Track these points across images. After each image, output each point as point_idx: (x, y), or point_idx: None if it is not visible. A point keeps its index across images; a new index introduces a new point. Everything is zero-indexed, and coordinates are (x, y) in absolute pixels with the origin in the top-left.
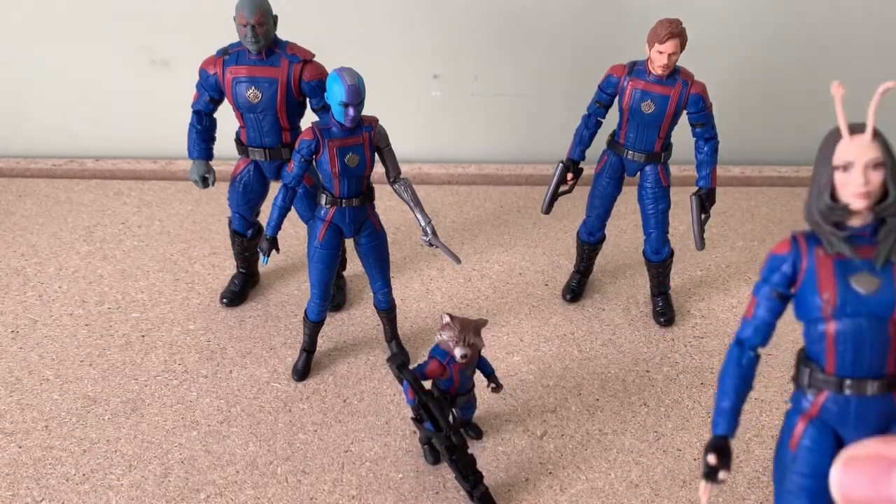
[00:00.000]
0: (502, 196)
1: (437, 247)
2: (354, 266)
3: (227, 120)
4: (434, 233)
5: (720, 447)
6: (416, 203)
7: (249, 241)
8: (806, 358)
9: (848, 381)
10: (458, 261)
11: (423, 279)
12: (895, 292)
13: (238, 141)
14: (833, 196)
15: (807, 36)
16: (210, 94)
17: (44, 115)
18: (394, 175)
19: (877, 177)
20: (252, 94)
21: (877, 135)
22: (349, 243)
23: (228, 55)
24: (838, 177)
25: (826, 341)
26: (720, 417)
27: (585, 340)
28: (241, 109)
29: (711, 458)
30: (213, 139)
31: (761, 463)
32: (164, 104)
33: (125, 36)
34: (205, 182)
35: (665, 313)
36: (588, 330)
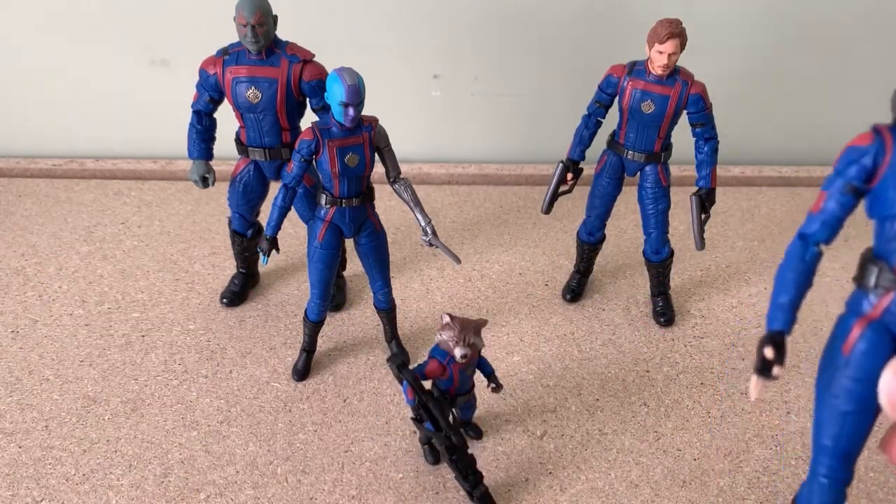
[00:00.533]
0: (502, 196)
1: (437, 247)
2: (354, 266)
3: (227, 120)
4: (434, 233)
5: (776, 341)
6: (416, 203)
7: (249, 241)
8: (874, 257)
9: None
10: (458, 261)
11: (423, 279)
12: None
13: (238, 141)
14: None
15: (807, 36)
16: (210, 94)
17: (44, 115)
18: (394, 175)
19: None
20: (252, 93)
21: None
22: (349, 243)
23: (228, 55)
24: None
25: None
26: (778, 312)
27: (585, 340)
28: (241, 109)
29: (769, 352)
30: (213, 139)
31: (761, 463)
32: (165, 104)
33: (126, 36)
34: (205, 182)
35: (665, 313)
36: (588, 330)
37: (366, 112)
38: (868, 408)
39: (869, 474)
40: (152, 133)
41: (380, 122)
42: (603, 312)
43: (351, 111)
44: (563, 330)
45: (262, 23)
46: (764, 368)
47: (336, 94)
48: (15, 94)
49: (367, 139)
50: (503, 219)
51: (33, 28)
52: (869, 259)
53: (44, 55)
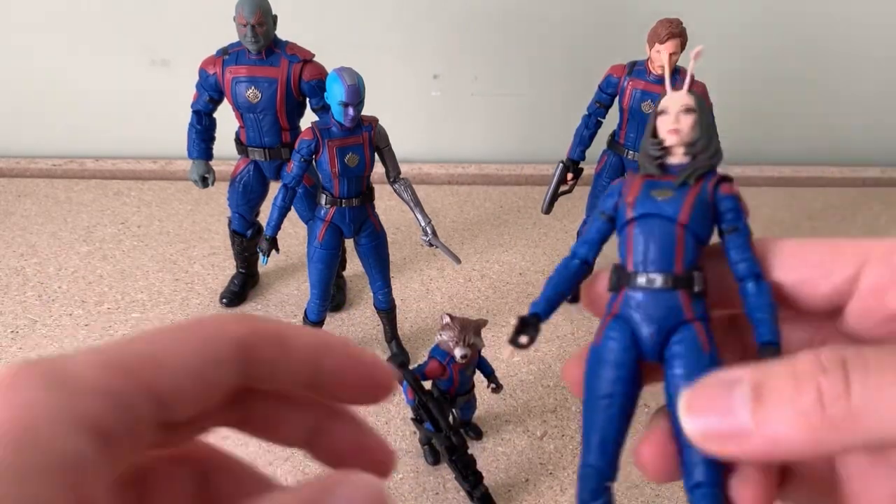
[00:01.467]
0: (502, 196)
1: (437, 247)
2: (354, 266)
3: (226, 120)
4: (434, 233)
5: (528, 320)
6: (416, 203)
7: (249, 241)
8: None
9: (640, 276)
10: (458, 261)
11: (423, 279)
12: (683, 201)
13: (238, 141)
14: (654, 134)
15: (808, 35)
16: (210, 94)
17: (44, 114)
18: (394, 175)
19: (687, 120)
20: (252, 93)
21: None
22: (349, 243)
23: (228, 55)
24: (659, 120)
25: (627, 240)
26: (542, 301)
27: (586, 341)
28: (241, 109)
29: (514, 321)
30: (212, 139)
31: None
32: (164, 104)
33: (126, 36)
34: (204, 182)
35: None
36: (589, 330)
37: (366, 112)
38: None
39: None
40: (152, 133)
41: (380, 122)
42: None
43: (351, 111)
44: (563, 330)
45: (261, 22)
46: (515, 337)
47: (336, 93)
48: (15, 94)
49: (366, 139)
50: (503, 219)
51: (33, 28)
52: (613, 268)
53: (43, 55)
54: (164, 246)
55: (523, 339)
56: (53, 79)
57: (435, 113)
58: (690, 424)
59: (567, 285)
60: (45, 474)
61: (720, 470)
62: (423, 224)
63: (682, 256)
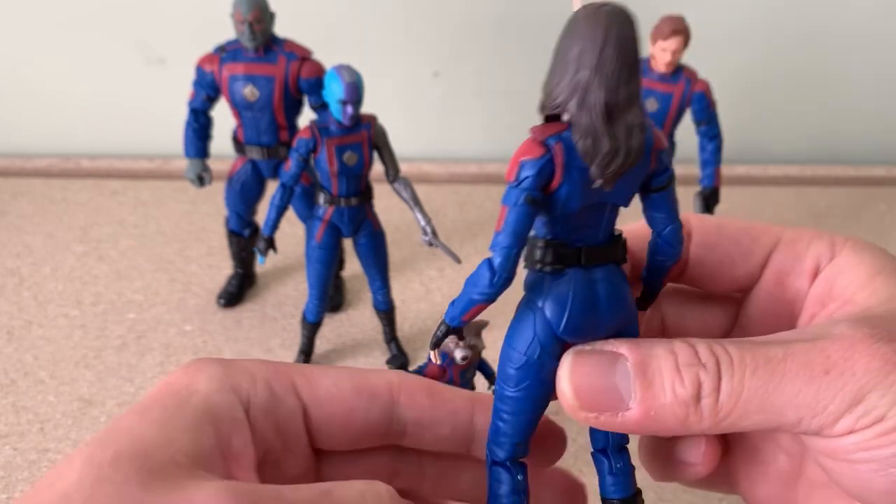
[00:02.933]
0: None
1: (437, 246)
2: (353, 266)
3: (224, 117)
4: (434, 232)
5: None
6: (416, 202)
7: (247, 240)
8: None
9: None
10: (459, 261)
11: (423, 279)
12: None
13: (235, 139)
14: None
15: (813, 33)
16: (207, 92)
17: (39, 113)
18: (393, 174)
19: None
20: (249, 91)
21: None
22: (347, 243)
23: (226, 52)
24: None
25: None
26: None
27: None
28: (239, 107)
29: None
30: (209, 137)
31: None
32: (161, 102)
33: (122, 34)
34: (201, 181)
35: None
36: None
37: (365, 110)
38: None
39: None
40: (148, 131)
41: (379, 121)
42: None
43: (349, 109)
44: None
45: (259, 19)
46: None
47: (334, 91)
48: (9, 92)
49: (365, 137)
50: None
51: (28, 26)
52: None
53: (38, 53)
54: (161, 246)
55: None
56: (48, 77)
57: (435, 111)
58: (569, 391)
59: None
60: (194, 416)
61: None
62: (422, 224)
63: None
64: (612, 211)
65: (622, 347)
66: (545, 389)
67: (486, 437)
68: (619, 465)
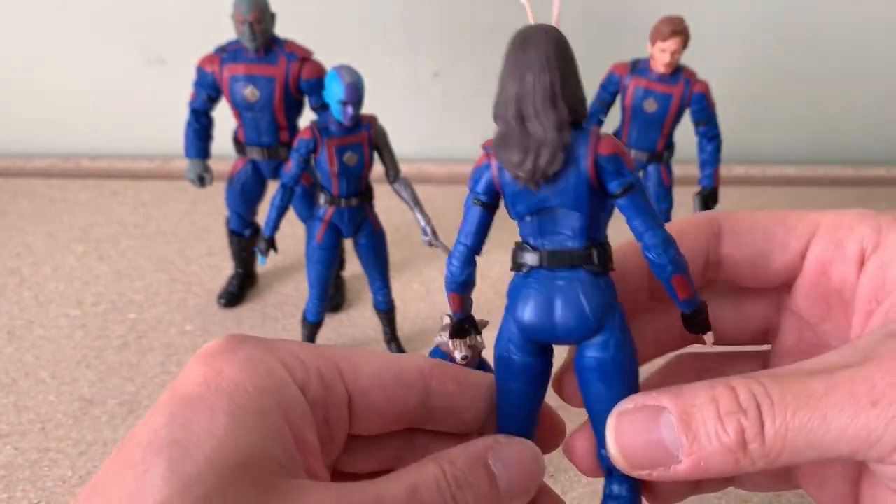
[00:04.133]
0: None
1: (437, 247)
2: (353, 266)
3: (225, 117)
4: (434, 233)
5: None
6: (416, 202)
7: (247, 241)
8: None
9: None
10: None
11: (423, 280)
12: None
13: (235, 140)
14: None
15: (812, 34)
16: (207, 93)
17: (39, 113)
18: (393, 174)
19: None
20: (250, 91)
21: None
22: (348, 243)
23: (226, 53)
24: None
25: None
26: None
27: None
28: (239, 108)
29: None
30: (210, 137)
31: None
32: (161, 102)
33: (122, 34)
34: (202, 181)
35: None
36: None
37: (365, 110)
38: None
39: None
40: (149, 132)
41: (379, 121)
42: None
43: (350, 109)
44: None
45: (259, 20)
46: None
47: (335, 92)
48: (10, 93)
49: (366, 138)
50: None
51: (28, 26)
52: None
53: (39, 54)
54: (162, 246)
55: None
56: (49, 77)
57: (435, 111)
58: (618, 453)
59: None
60: (270, 413)
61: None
62: (422, 224)
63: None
64: (572, 216)
65: (664, 399)
66: (520, 384)
67: None
68: (616, 491)
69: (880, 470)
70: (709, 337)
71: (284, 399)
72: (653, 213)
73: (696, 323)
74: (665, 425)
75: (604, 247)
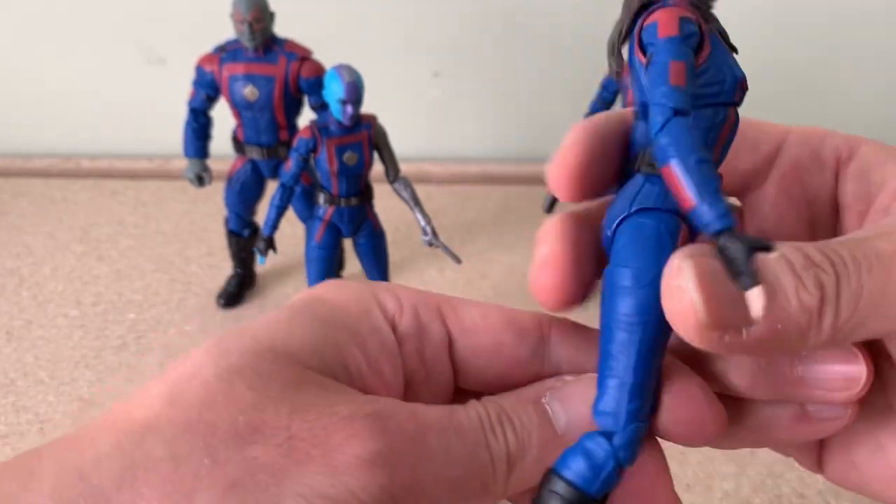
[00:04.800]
0: (504, 195)
1: (437, 247)
2: (353, 266)
3: (224, 117)
4: (434, 233)
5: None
6: (416, 202)
7: (246, 241)
8: None
9: None
10: (459, 261)
11: (423, 279)
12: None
13: (234, 139)
14: None
15: (813, 33)
16: (207, 92)
17: (38, 113)
18: (393, 174)
19: None
20: (249, 91)
21: None
22: (347, 243)
23: (225, 52)
24: None
25: (723, 129)
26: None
27: None
28: (238, 107)
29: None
30: (209, 137)
31: (766, 466)
32: (161, 102)
33: (121, 34)
34: (201, 181)
35: None
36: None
37: (365, 109)
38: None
39: None
40: (148, 131)
41: (379, 120)
42: None
43: (349, 109)
44: None
45: (259, 19)
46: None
47: (334, 91)
48: (9, 93)
49: (365, 137)
50: (505, 218)
51: (27, 25)
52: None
53: (38, 53)
54: (161, 246)
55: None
56: (48, 77)
57: (435, 111)
58: (699, 301)
59: None
60: (343, 330)
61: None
62: (423, 224)
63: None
64: None
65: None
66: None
67: None
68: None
69: None
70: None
71: (365, 326)
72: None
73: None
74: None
75: None
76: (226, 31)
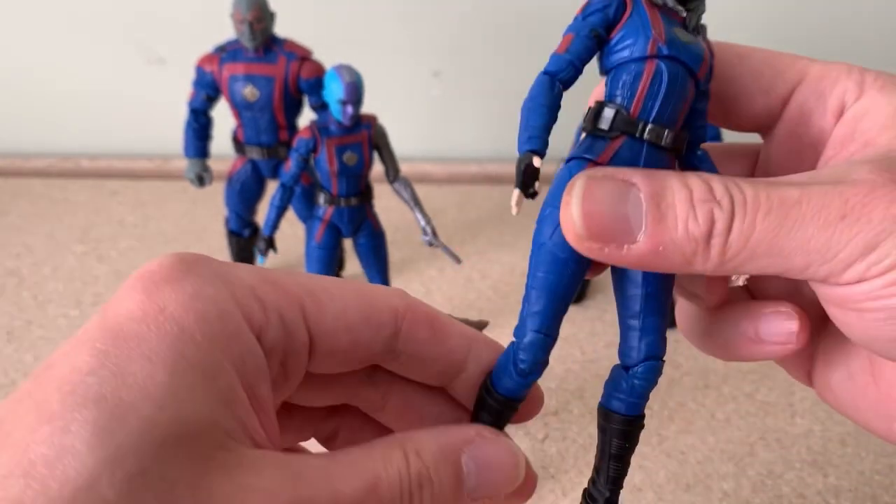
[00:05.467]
0: (504, 195)
1: (437, 247)
2: (353, 267)
3: (224, 118)
4: (434, 232)
5: (533, 163)
6: (416, 202)
7: (247, 241)
8: (611, 102)
9: (649, 126)
10: (459, 261)
11: (423, 279)
12: (703, 51)
13: (235, 139)
14: None
15: (813, 33)
16: (207, 92)
17: (38, 113)
18: (393, 174)
19: None
20: (249, 91)
21: None
22: (347, 243)
23: (226, 52)
24: None
25: (641, 81)
26: (535, 133)
27: (588, 342)
28: (239, 107)
29: (536, 161)
30: (209, 137)
31: (766, 466)
32: (161, 102)
33: (121, 34)
34: (201, 181)
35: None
36: (591, 331)
37: (365, 110)
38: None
39: (875, 477)
40: (148, 131)
41: (379, 120)
42: (606, 314)
43: (349, 109)
44: (565, 331)
45: (259, 19)
46: (529, 184)
47: (334, 91)
48: (8, 93)
49: (365, 137)
50: (504, 218)
51: (26, 25)
52: (603, 105)
53: (37, 53)
54: (161, 246)
55: (537, 187)
56: (48, 77)
57: (435, 111)
58: (578, 216)
59: (555, 114)
60: (220, 367)
61: (664, 343)
62: (423, 224)
63: (684, 114)
64: None
65: (635, 177)
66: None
67: (474, 380)
68: (638, 381)
69: (822, 292)
70: None
71: (237, 352)
72: None
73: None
74: (632, 202)
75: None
76: (226, 31)
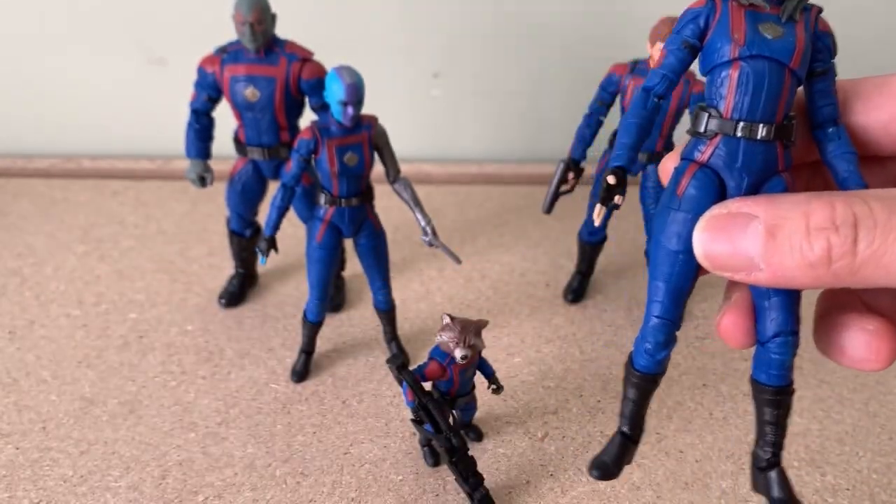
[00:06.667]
0: (503, 195)
1: (437, 247)
2: (354, 266)
3: (226, 117)
4: (434, 233)
5: (618, 174)
6: (416, 203)
7: (248, 241)
8: (706, 105)
9: (741, 124)
10: (459, 261)
11: (423, 279)
12: (795, 42)
13: (236, 140)
14: None
15: None
16: (208, 93)
17: (40, 114)
18: (393, 174)
19: None
20: (250, 92)
21: None
22: (348, 243)
23: (227, 53)
24: None
25: (729, 83)
26: (622, 151)
27: (587, 341)
28: (240, 108)
29: (611, 178)
30: (211, 138)
31: None
32: (162, 103)
33: (123, 35)
34: (202, 181)
35: None
36: (590, 331)
37: (365, 110)
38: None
39: (872, 476)
40: (150, 132)
41: (379, 121)
42: (605, 313)
43: (350, 110)
44: (564, 331)
45: (260, 20)
46: (607, 197)
47: (335, 92)
48: (11, 93)
49: (366, 138)
50: (504, 218)
51: (29, 26)
52: (701, 108)
53: (40, 54)
54: (162, 246)
55: (618, 199)
56: (50, 78)
57: (435, 111)
58: (702, 244)
59: (649, 127)
60: None
61: (794, 319)
62: (422, 224)
63: (785, 105)
64: None
65: (758, 208)
66: None
67: None
68: (776, 356)
69: None
70: None
71: None
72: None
73: None
74: (752, 234)
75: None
76: (227, 33)
